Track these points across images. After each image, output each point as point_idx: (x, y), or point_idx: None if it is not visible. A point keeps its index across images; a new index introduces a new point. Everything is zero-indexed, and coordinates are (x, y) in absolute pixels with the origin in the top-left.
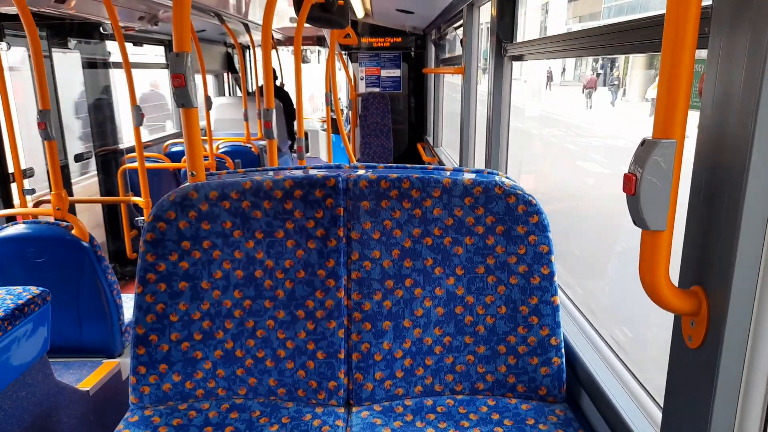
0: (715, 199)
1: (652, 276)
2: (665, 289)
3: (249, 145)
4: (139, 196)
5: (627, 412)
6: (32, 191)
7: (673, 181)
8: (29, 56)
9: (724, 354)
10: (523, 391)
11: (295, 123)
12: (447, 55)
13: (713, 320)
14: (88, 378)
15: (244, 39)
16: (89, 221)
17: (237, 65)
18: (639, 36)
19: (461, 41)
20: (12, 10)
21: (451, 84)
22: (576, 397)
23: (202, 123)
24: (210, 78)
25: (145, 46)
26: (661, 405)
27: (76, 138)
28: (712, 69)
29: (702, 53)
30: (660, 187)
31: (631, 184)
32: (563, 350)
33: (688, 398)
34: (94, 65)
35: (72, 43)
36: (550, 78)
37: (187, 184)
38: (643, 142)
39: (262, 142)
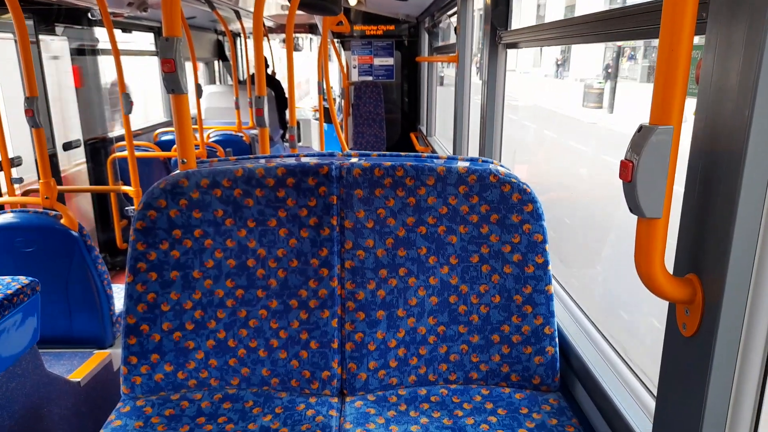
0: (711, 186)
1: (647, 264)
2: (660, 277)
3: (240, 134)
4: (129, 185)
5: (620, 401)
6: (20, 180)
7: (669, 167)
8: (15, 42)
9: (718, 342)
10: (517, 381)
11: (287, 112)
12: (440, 43)
13: (708, 308)
14: (79, 369)
15: (235, 26)
16: (78, 211)
17: (228, 53)
18: (636, 22)
19: (455, 29)
20: None
21: (448, 77)
22: (569, 386)
23: (193, 111)
24: (200, 66)
25: (133, 32)
26: (655, 393)
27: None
28: (710, 55)
29: (700, 39)
30: (656, 173)
31: (627, 171)
32: (557, 339)
33: (681, 386)
34: (83, 52)
35: (60, 29)
36: (610, 74)
37: (178, 171)
38: (640, 129)
39: (254, 131)
